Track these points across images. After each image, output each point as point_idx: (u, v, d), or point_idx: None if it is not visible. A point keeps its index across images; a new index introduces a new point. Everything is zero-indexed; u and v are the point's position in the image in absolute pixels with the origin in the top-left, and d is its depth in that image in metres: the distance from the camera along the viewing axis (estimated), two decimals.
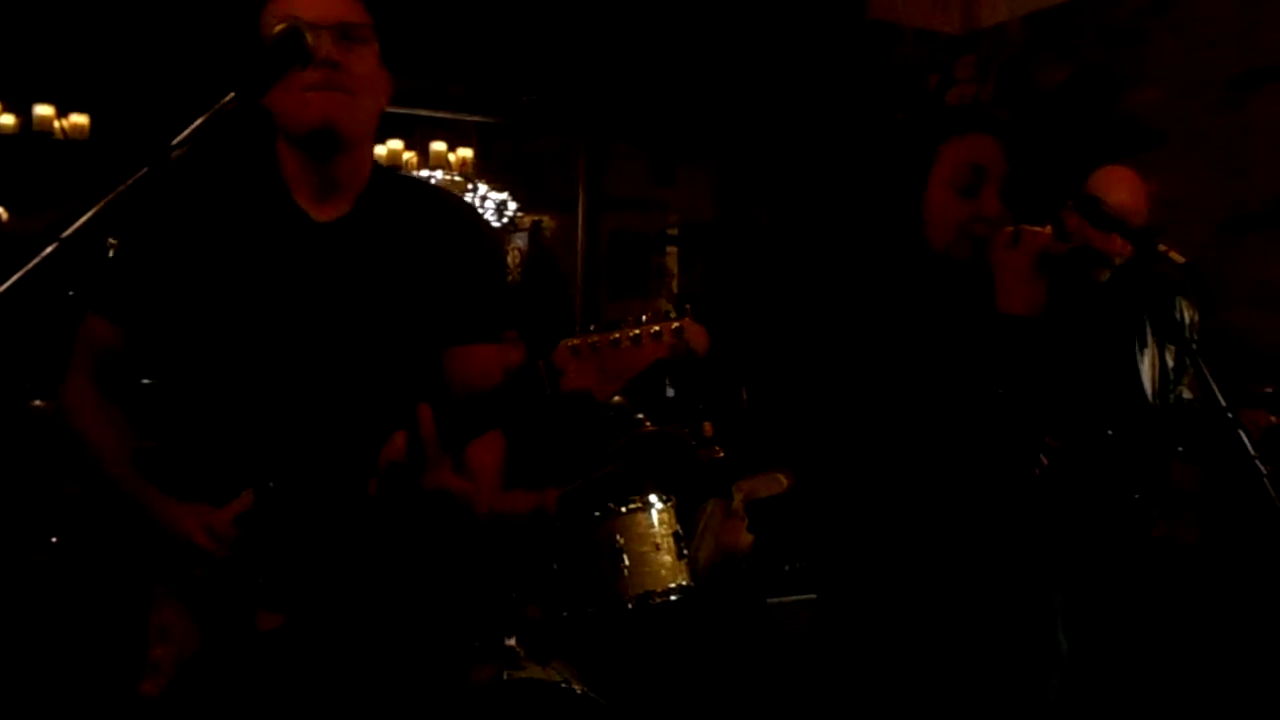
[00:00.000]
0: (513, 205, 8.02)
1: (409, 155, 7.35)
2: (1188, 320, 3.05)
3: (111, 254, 1.71)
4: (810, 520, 3.34)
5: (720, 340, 1.46)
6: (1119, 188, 2.94)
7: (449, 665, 1.83)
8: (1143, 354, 2.97)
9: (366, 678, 1.66)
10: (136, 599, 1.63)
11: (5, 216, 6.03)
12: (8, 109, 6.19)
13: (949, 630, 1.96)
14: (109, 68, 5.45)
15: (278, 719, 1.62)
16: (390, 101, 1.77)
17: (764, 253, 6.59)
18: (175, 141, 1.18)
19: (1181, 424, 2.97)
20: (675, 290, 8.17)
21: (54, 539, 2.78)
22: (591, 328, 1.42)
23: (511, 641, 2.65)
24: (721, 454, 4.18)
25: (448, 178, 7.21)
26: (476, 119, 7.19)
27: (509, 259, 7.97)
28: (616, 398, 3.75)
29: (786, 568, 3.55)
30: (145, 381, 1.75)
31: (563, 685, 2.61)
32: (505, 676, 2.56)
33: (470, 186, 7.50)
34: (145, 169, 1.14)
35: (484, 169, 7.85)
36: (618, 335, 1.41)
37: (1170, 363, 3.01)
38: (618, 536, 3.00)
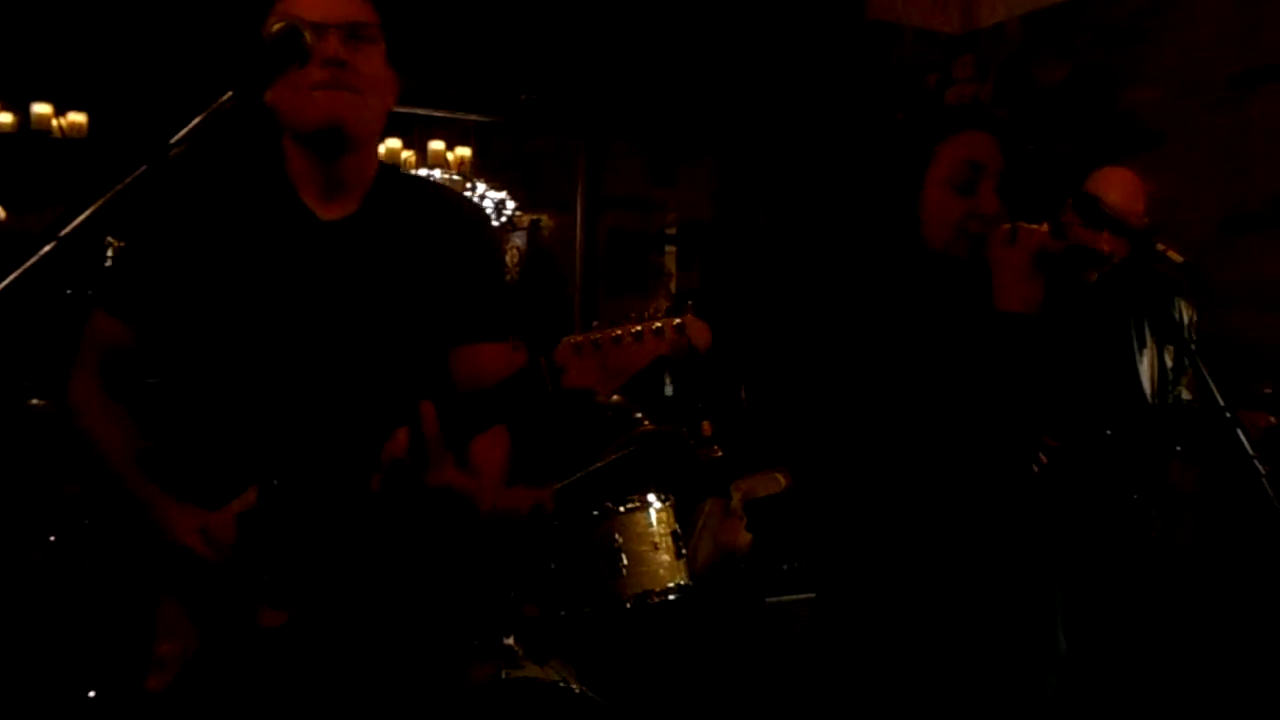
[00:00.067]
0: (511, 204, 8.02)
1: (407, 154, 7.35)
2: (1187, 320, 3.06)
3: (116, 252, 1.72)
4: (809, 519, 3.34)
5: (719, 339, 1.47)
6: (1117, 188, 2.95)
7: (449, 663, 1.84)
8: (1142, 354, 2.97)
9: (368, 675, 1.66)
10: (142, 596, 1.63)
11: (3, 215, 6.02)
12: (6, 107, 6.19)
13: (948, 629, 1.95)
14: (107, 66, 5.45)
15: (280, 716, 1.62)
16: None
17: (762, 252, 6.59)
18: (174, 140, 1.18)
19: (1180, 424, 2.97)
20: (673, 290, 8.17)
21: (52, 538, 2.78)
22: (594, 324, 1.42)
23: (510, 640, 2.65)
24: (720, 453, 4.18)
25: (446, 176, 7.21)
26: (475, 118, 7.19)
27: (507, 258, 7.97)
28: (615, 397, 3.76)
29: (785, 567, 3.55)
30: (150, 380, 1.75)
31: (561, 684, 2.61)
32: (503, 675, 2.55)
33: (468, 185, 7.50)
34: (143, 168, 1.14)
35: (482, 168, 7.85)
36: (619, 332, 1.41)
37: (1169, 363, 3.01)
38: (616, 536, 3.00)
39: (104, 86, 5.82)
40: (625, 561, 2.97)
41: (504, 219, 8.02)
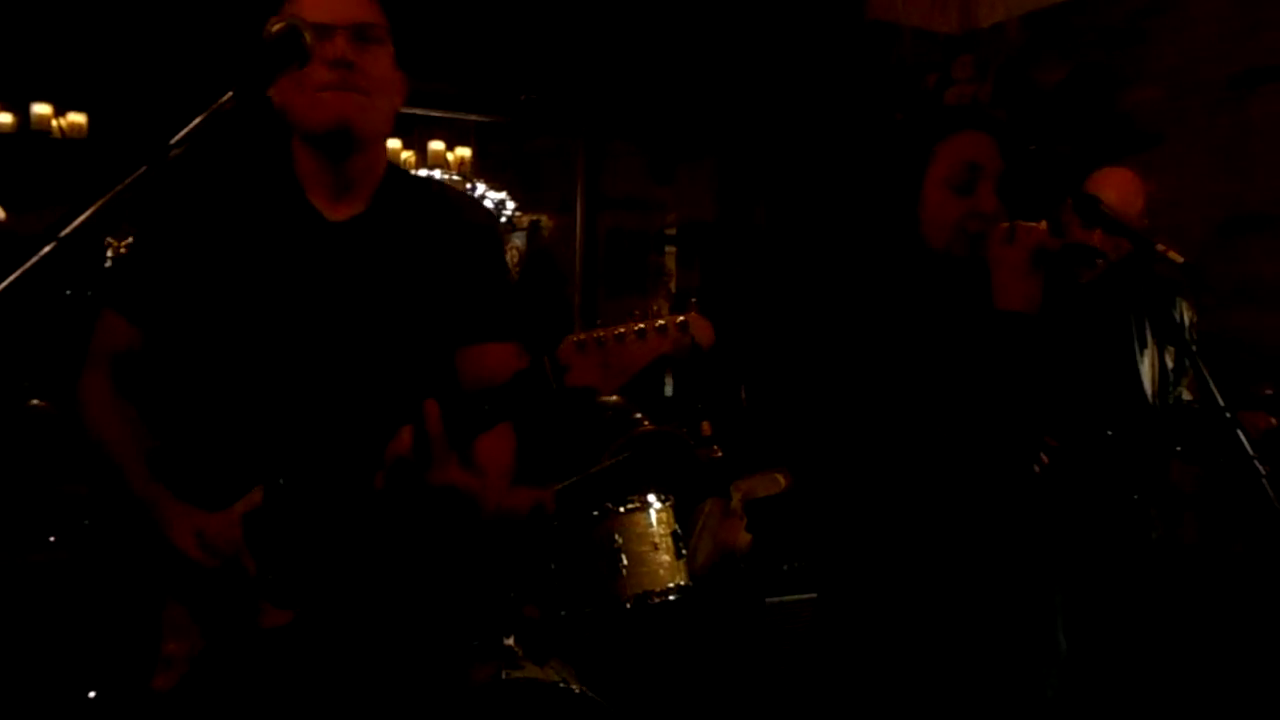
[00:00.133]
0: (511, 204, 8.02)
1: (407, 154, 7.34)
2: (1187, 321, 3.05)
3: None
4: (809, 519, 3.34)
5: (720, 339, 1.47)
6: (1117, 188, 2.95)
7: (451, 662, 1.84)
8: (1143, 355, 2.97)
9: (371, 674, 1.67)
10: (148, 596, 1.63)
11: (3, 216, 6.02)
12: (6, 107, 6.18)
13: (949, 629, 1.95)
14: (107, 66, 5.45)
15: (284, 715, 1.62)
16: None
17: (762, 252, 6.59)
18: (174, 141, 1.18)
19: (1181, 425, 2.97)
20: (673, 290, 8.17)
21: (52, 538, 2.78)
22: (598, 322, 1.43)
23: (510, 641, 2.65)
24: (720, 453, 4.19)
25: (446, 177, 7.20)
26: (475, 118, 7.19)
27: (507, 258, 7.94)
28: (614, 397, 3.76)
29: (785, 567, 3.55)
30: (158, 379, 1.75)
31: (561, 685, 2.61)
32: (503, 676, 2.55)
33: (468, 186, 7.50)
34: (143, 168, 1.14)
35: (482, 168, 7.84)
36: (622, 330, 1.41)
37: (1170, 363, 3.01)
38: (616, 536, 3.00)
39: (104, 87, 5.82)
40: (625, 562, 2.98)
41: (504, 219, 8.01)
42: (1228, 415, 1.68)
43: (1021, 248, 1.90)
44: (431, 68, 5.28)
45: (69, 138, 6.19)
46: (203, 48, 4.50)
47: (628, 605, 2.97)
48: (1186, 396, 3.04)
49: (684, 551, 3.12)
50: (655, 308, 1.43)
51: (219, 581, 1.59)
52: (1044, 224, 1.91)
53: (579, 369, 1.42)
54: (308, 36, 1.36)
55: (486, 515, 1.60)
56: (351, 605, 1.64)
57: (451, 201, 1.83)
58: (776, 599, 3.45)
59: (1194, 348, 2.14)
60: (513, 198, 8.02)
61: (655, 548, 3.05)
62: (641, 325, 1.41)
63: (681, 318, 1.42)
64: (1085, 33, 5.53)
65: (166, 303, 1.70)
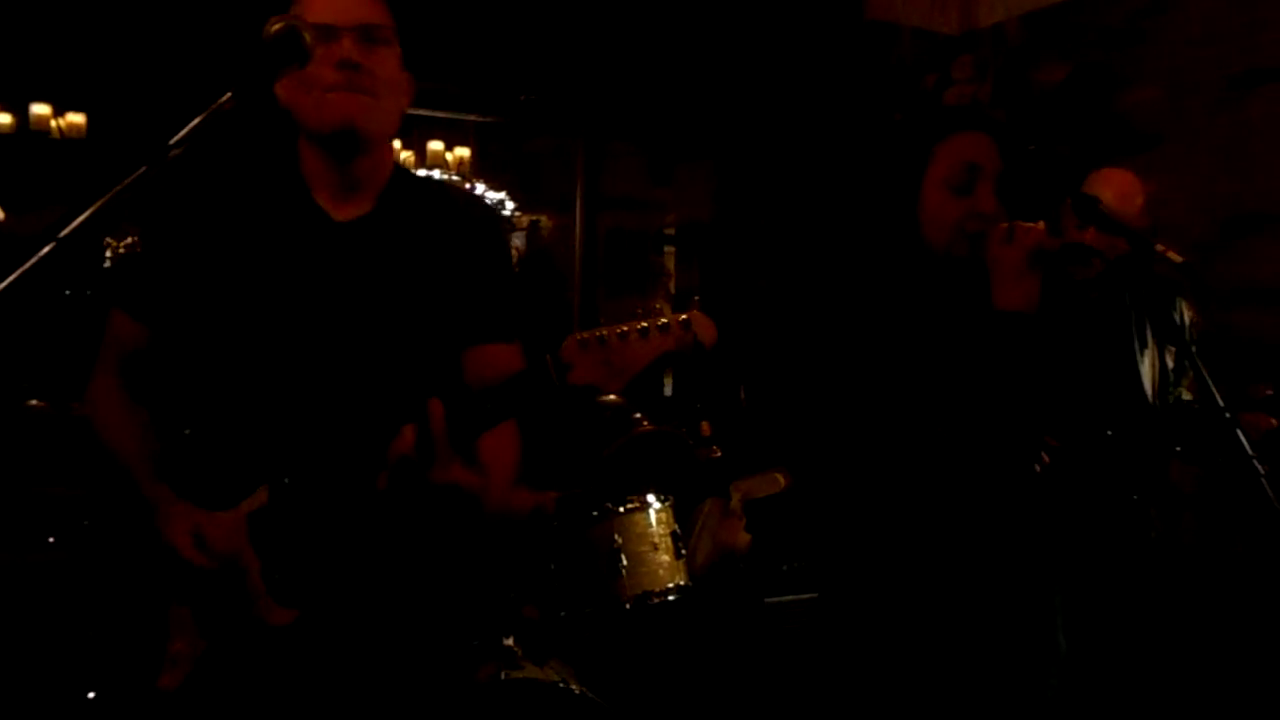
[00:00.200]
0: (510, 205, 8.01)
1: (406, 154, 7.33)
2: (1187, 321, 3.06)
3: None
4: (809, 520, 3.34)
5: (720, 339, 1.47)
6: (1116, 188, 2.95)
7: (454, 661, 1.84)
8: (1143, 355, 2.97)
9: (374, 673, 1.67)
10: (152, 596, 1.63)
11: (2, 216, 6.02)
12: (5, 107, 6.18)
13: (949, 629, 1.95)
14: (106, 66, 5.45)
15: (287, 714, 1.62)
16: None
17: (762, 252, 6.59)
18: (173, 141, 1.18)
19: (1180, 425, 2.97)
20: (672, 290, 8.17)
21: (51, 539, 2.78)
22: (600, 321, 1.43)
23: (509, 641, 2.65)
24: (719, 453, 4.19)
25: (445, 177, 7.20)
26: (474, 118, 7.19)
27: None
28: (614, 397, 3.76)
29: (785, 567, 3.55)
30: (165, 378, 1.76)
31: (560, 685, 2.61)
32: (503, 676, 2.55)
33: (468, 186, 7.49)
34: (142, 169, 1.14)
35: (481, 168, 7.83)
36: (625, 329, 1.42)
37: (1170, 364, 3.01)
38: (616, 536, 3.00)
39: (103, 87, 5.81)
40: (625, 562, 2.98)
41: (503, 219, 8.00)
42: (1227, 415, 1.68)
43: (1020, 248, 1.90)
44: (431, 68, 5.25)
45: (68, 138, 6.18)
46: (203, 48, 4.49)
47: (627, 605, 2.97)
48: (1186, 396, 3.04)
49: (683, 551, 3.12)
50: (657, 306, 1.43)
51: (217, 581, 1.59)
52: (1042, 224, 1.92)
53: (582, 367, 1.42)
54: (307, 36, 1.36)
55: (489, 514, 1.60)
56: (355, 604, 1.65)
57: (457, 202, 1.84)
58: (776, 599, 3.45)
59: (1194, 348, 2.15)
60: (512, 198, 8.01)
61: (655, 548, 3.05)
62: (644, 324, 1.42)
63: (684, 316, 1.42)
64: (1085, 33, 5.53)
65: (174, 302, 1.70)
